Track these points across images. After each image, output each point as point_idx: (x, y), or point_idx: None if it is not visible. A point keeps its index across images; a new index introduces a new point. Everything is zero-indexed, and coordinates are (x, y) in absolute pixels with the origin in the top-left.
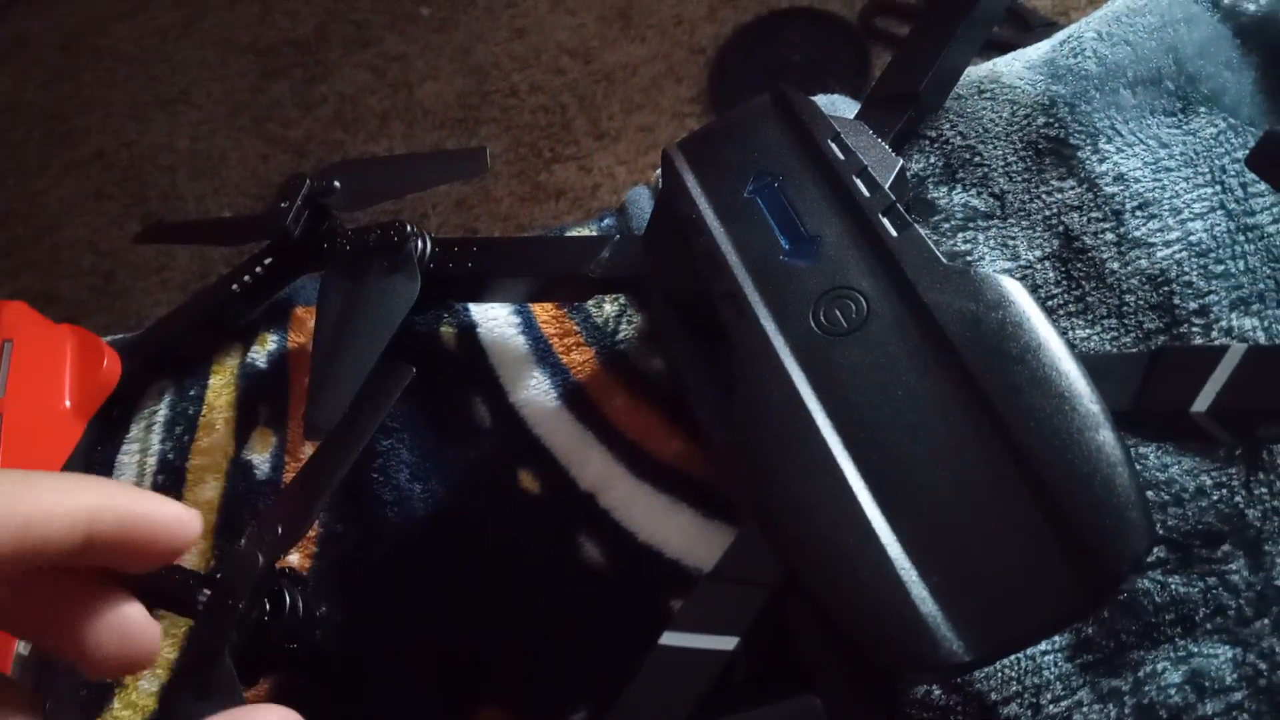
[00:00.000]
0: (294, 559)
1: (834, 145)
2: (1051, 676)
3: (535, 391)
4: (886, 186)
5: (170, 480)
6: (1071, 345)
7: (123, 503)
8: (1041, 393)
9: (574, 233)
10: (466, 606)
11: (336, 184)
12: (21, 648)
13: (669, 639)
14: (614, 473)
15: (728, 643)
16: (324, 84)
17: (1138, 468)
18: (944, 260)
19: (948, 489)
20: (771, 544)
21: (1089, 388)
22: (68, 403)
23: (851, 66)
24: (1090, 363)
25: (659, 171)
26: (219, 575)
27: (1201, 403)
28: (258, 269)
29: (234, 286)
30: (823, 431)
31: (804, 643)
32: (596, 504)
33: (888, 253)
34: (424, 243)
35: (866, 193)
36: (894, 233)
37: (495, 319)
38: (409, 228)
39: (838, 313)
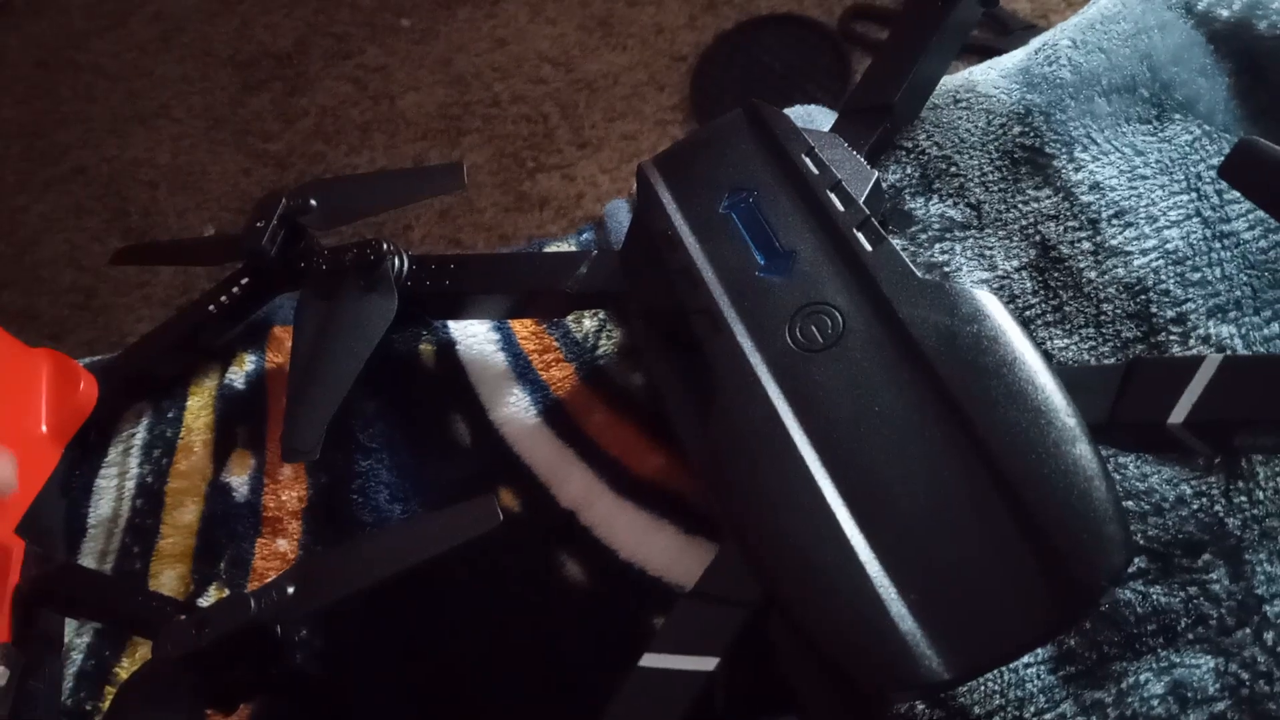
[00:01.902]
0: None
1: (808, 160)
2: (1035, 689)
3: (515, 409)
4: (862, 200)
5: (149, 504)
6: (1048, 357)
7: None
8: (1017, 407)
9: (552, 247)
10: (448, 628)
11: (313, 202)
12: None
13: (649, 660)
14: (594, 490)
15: (708, 663)
16: (305, 96)
17: (1117, 477)
18: (919, 274)
19: (925, 505)
20: (750, 562)
21: (1065, 401)
22: (44, 427)
23: (832, 71)
24: (1066, 375)
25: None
26: (196, 603)
27: (1178, 414)
28: (234, 289)
29: (211, 307)
30: (800, 449)
31: (786, 660)
32: (577, 522)
33: (862, 267)
34: (400, 260)
35: (841, 207)
36: (868, 247)
37: (474, 335)
38: (385, 245)
39: (813, 329)
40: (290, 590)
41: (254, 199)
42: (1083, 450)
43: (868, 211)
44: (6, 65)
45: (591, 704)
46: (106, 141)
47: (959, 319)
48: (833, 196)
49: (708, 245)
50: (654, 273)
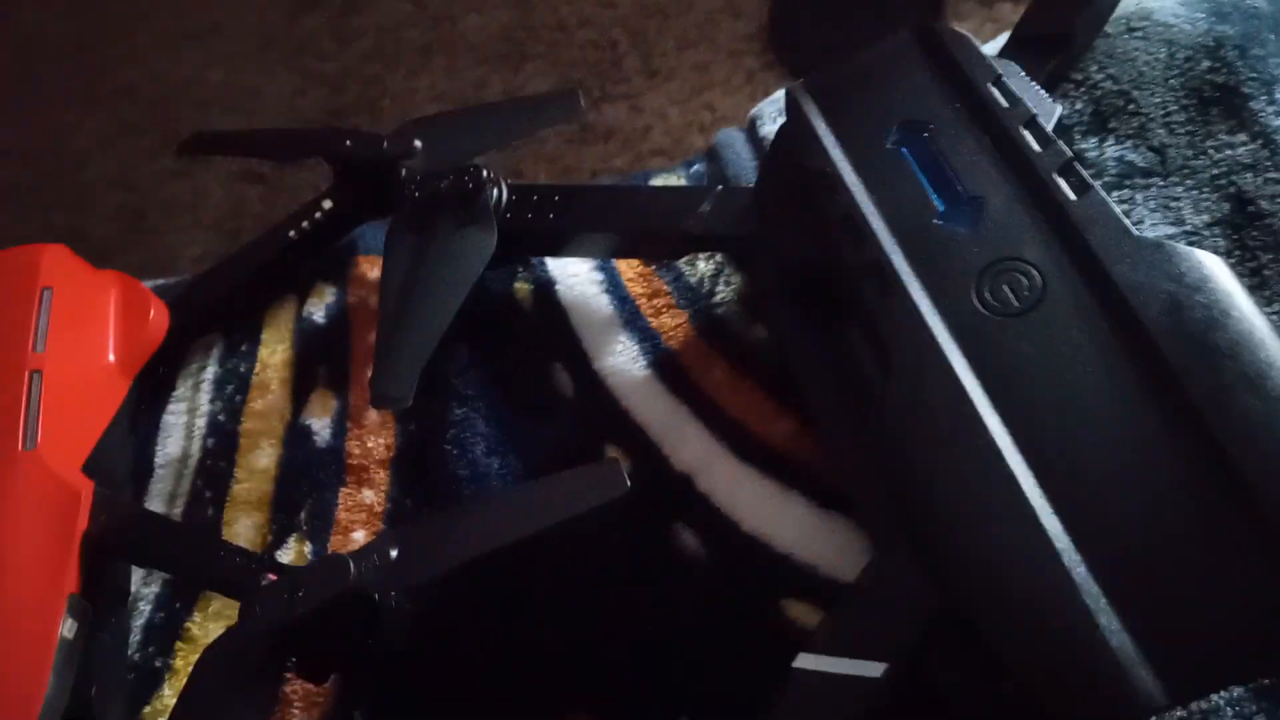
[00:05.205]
0: (359, 536)
1: (995, 90)
2: (1221, 701)
3: (623, 358)
4: None
5: (221, 444)
6: None
7: None
8: (1256, 393)
9: (659, 179)
10: (547, 600)
11: (417, 143)
12: (66, 629)
13: (805, 661)
14: (714, 453)
15: (874, 669)
16: (361, 16)
17: None
18: (1135, 231)
19: (1142, 506)
20: (928, 565)
21: None
22: (112, 358)
23: None
24: None
25: (754, 112)
26: (277, 557)
27: None
28: (316, 215)
29: (291, 234)
30: (993, 434)
31: (945, 673)
32: (694, 487)
33: (1066, 219)
34: (500, 190)
35: (1038, 148)
36: (1073, 196)
37: (576, 275)
38: (484, 173)
39: (1007, 289)
40: (394, 554)
41: (309, 121)
42: None
43: (1070, 153)
44: None
45: (711, 690)
46: (155, 60)
47: (1185, 286)
48: (1027, 134)
49: (875, 188)
50: (800, 218)
